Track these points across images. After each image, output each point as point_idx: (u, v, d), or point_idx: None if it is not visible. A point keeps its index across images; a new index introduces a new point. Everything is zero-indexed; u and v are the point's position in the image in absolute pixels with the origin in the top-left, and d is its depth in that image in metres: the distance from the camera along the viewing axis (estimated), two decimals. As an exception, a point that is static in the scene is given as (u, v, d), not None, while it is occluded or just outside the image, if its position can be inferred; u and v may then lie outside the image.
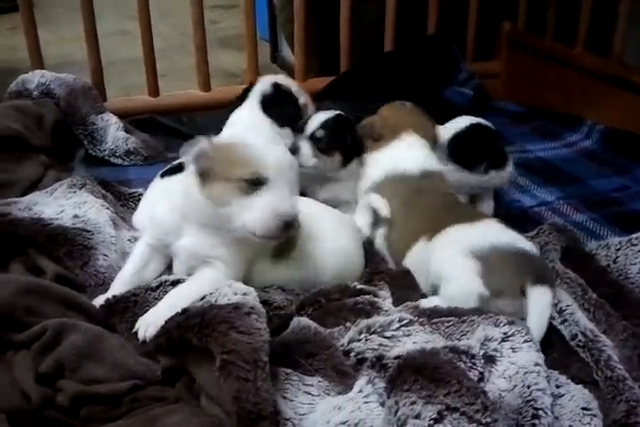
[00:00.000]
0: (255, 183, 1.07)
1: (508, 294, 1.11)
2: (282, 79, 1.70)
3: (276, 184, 1.08)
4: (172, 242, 1.16)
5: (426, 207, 1.32)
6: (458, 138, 1.47)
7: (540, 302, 1.10)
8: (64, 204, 1.35)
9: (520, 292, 1.11)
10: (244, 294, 1.03)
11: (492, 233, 1.19)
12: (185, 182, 1.13)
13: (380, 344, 1.02)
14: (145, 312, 1.10)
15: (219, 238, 1.13)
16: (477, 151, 1.47)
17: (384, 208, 1.35)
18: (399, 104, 1.51)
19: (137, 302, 1.13)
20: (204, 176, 1.10)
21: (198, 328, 0.96)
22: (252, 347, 0.93)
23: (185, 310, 1.02)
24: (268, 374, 0.91)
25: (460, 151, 1.46)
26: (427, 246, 1.24)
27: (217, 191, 1.09)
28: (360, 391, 0.94)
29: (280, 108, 1.64)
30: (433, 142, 1.45)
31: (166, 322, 1.02)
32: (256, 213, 1.07)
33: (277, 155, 1.11)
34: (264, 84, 1.67)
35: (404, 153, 1.41)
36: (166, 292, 1.13)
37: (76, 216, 1.30)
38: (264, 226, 1.07)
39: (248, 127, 1.58)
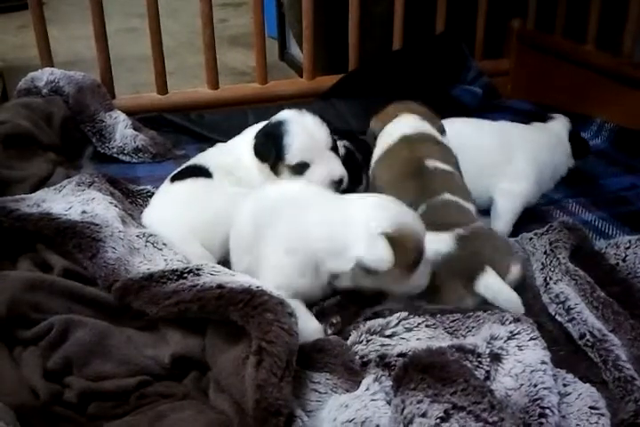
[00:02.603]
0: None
1: None
2: None
3: None
4: None
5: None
6: (575, 135, 1.65)
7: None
8: (72, 200, 1.35)
9: None
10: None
11: None
12: None
13: (382, 344, 1.02)
14: (161, 291, 1.08)
15: None
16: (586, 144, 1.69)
17: None
18: (400, 102, 1.47)
19: (154, 280, 1.11)
20: None
21: (244, 306, 0.97)
22: (290, 348, 0.94)
23: (221, 286, 1.02)
24: (291, 380, 0.92)
25: (579, 146, 1.64)
26: None
27: None
28: (367, 389, 0.94)
29: None
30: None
31: (199, 291, 1.02)
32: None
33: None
34: None
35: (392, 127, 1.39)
36: (182, 273, 1.11)
37: (84, 212, 1.30)
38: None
39: None
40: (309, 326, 1.09)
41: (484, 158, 1.49)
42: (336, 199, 1.17)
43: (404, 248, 1.05)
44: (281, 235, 1.12)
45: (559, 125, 1.64)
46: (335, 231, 1.08)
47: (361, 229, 1.06)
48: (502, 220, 1.46)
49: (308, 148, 1.33)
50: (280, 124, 1.36)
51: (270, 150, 1.34)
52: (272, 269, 1.12)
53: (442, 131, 1.41)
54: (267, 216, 1.16)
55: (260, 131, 1.39)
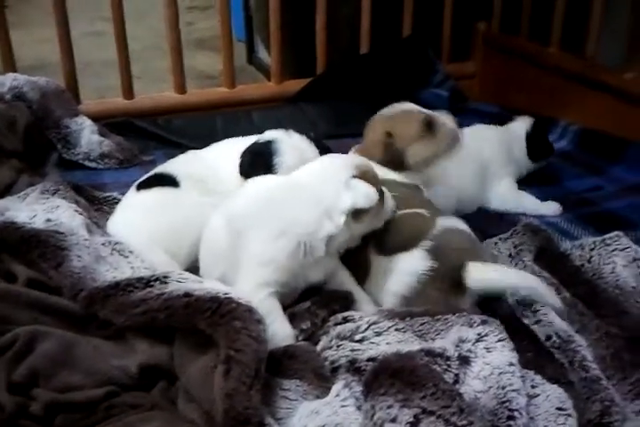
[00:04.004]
0: None
1: None
2: None
3: None
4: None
5: None
6: (533, 136, 1.70)
7: None
8: (36, 208, 1.33)
9: None
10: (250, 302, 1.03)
11: None
12: None
13: (353, 349, 1.02)
14: (128, 299, 1.06)
15: None
16: (549, 145, 1.75)
17: None
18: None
19: (120, 289, 1.10)
20: None
21: (211, 314, 0.97)
22: (258, 356, 0.93)
23: (188, 294, 1.01)
24: (260, 389, 0.91)
25: (538, 146, 1.71)
26: None
27: None
28: (337, 395, 0.94)
29: None
30: None
31: (166, 299, 1.02)
32: None
33: None
34: None
35: None
36: (149, 281, 1.10)
37: (49, 220, 1.29)
38: None
39: None
40: (281, 332, 1.09)
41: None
42: (300, 183, 1.19)
43: (370, 178, 1.17)
44: (266, 230, 1.14)
45: (518, 127, 1.72)
46: (316, 203, 1.15)
47: (336, 186, 1.15)
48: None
49: (299, 166, 1.32)
50: (269, 143, 1.37)
51: (259, 170, 1.33)
52: (257, 266, 1.13)
53: None
54: (245, 220, 1.16)
55: (246, 150, 1.39)
